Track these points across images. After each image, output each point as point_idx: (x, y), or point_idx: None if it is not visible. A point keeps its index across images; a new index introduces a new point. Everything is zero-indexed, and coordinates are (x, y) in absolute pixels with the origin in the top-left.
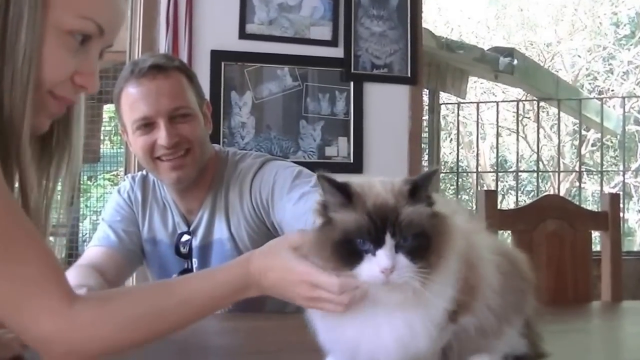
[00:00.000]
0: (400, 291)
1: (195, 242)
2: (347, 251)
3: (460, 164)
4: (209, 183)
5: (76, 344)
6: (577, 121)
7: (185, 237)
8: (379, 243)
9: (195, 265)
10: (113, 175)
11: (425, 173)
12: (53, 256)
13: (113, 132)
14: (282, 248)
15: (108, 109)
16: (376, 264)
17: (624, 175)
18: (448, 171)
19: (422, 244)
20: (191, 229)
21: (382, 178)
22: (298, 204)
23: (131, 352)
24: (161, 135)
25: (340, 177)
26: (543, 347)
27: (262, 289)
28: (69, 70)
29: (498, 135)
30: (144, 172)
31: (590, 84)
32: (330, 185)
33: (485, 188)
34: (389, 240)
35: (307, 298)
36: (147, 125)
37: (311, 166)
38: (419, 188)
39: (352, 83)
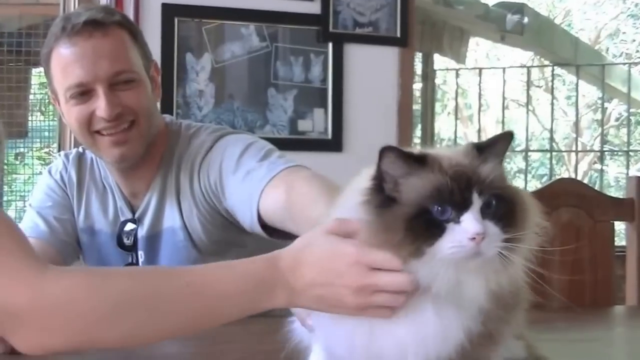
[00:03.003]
0: (484, 272)
1: (142, 232)
2: (423, 226)
3: (459, 141)
4: (157, 161)
5: (47, 320)
6: (599, 91)
7: (130, 226)
8: (464, 206)
9: (141, 259)
10: (44, 152)
11: (494, 136)
12: (14, 224)
13: (44, 100)
14: (317, 236)
15: (38, 74)
16: (464, 231)
17: None
18: None
19: (507, 209)
20: (137, 215)
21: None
22: (243, 185)
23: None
24: (100, 106)
25: (317, 157)
26: (541, 352)
27: (293, 292)
28: None
29: (504, 107)
30: (80, 149)
31: (615, 46)
32: (397, 155)
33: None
34: (476, 201)
35: (358, 293)
36: (83, 93)
37: (281, 143)
38: (487, 149)
39: (330, 44)
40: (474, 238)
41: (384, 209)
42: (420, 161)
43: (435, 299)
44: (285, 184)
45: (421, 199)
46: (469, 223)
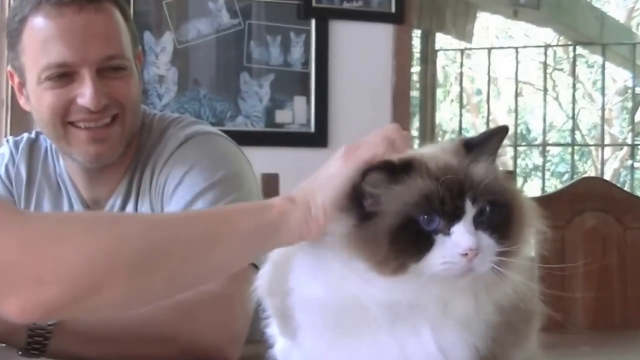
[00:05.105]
0: (473, 290)
1: None
2: (409, 238)
3: (465, 133)
4: (127, 163)
5: (39, 268)
6: (630, 75)
7: None
8: (455, 216)
9: None
10: None
11: (486, 131)
12: None
13: None
14: None
15: None
16: (455, 246)
17: None
18: None
19: (504, 217)
20: None
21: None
22: None
23: None
24: (85, 92)
25: (298, 153)
26: None
27: (307, 205)
28: None
29: (517, 94)
30: (32, 135)
31: None
32: (383, 176)
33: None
34: (469, 209)
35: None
36: (63, 75)
37: (256, 137)
38: (478, 147)
39: (313, 21)
40: (466, 254)
41: (364, 222)
42: (405, 170)
43: (431, 316)
44: None
45: (407, 208)
46: (461, 236)
